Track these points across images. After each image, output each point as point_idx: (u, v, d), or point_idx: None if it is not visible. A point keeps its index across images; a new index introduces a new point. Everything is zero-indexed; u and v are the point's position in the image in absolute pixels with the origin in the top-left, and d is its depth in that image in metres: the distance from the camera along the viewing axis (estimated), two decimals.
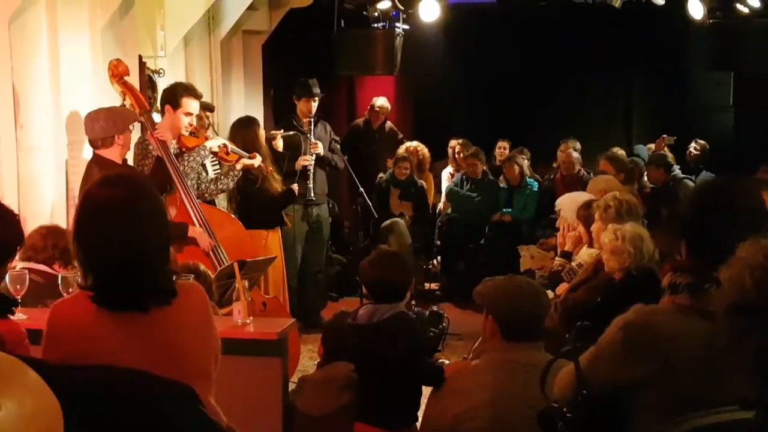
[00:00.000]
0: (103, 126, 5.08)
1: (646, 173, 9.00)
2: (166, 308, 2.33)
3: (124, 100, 5.31)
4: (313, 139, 7.31)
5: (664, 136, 9.35)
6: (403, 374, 3.63)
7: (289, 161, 7.19)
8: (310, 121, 7.34)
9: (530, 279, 3.67)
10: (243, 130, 6.67)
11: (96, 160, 5.10)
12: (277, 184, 6.66)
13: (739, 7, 8.29)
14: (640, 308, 2.43)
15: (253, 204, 6.56)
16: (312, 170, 7.29)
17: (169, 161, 5.25)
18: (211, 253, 5.15)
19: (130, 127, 5.20)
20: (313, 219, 7.49)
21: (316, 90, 7.39)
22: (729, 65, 9.17)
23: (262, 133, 6.75)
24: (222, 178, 5.89)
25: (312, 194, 7.31)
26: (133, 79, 6.25)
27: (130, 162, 5.50)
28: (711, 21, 8.23)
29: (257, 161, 6.06)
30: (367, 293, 3.94)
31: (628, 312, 2.42)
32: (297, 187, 6.90)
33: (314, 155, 7.29)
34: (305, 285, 7.62)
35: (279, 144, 7.10)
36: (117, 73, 5.28)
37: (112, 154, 5.06)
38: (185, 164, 5.45)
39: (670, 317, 2.38)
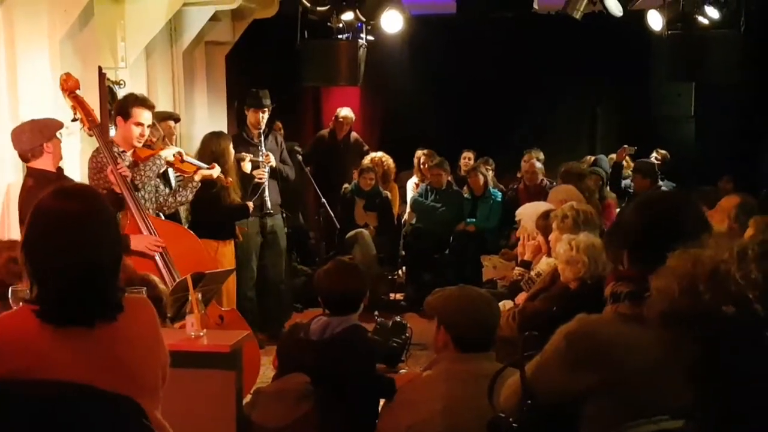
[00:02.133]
0: (29, 136, 5.07)
1: (632, 180, 9.12)
2: (113, 322, 2.32)
3: (75, 114, 5.25)
4: (264, 151, 7.30)
5: (625, 146, 9.42)
6: (357, 387, 3.63)
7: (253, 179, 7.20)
8: (260, 133, 7.32)
9: (480, 289, 3.69)
10: (213, 141, 6.68)
11: (29, 173, 5.11)
12: (235, 196, 6.66)
13: (700, 18, 8.38)
14: (582, 318, 2.45)
15: (205, 213, 6.55)
16: (266, 183, 7.28)
17: (127, 190, 5.20)
18: (158, 259, 5.13)
19: (57, 135, 5.15)
20: (268, 230, 7.46)
21: (266, 101, 7.36)
22: (690, 76, 9.26)
23: (231, 148, 6.74)
24: (180, 190, 5.85)
25: (269, 207, 7.30)
26: (93, 91, 6.25)
27: (73, 172, 5.50)
28: (670, 32, 8.32)
29: (216, 171, 6.04)
30: (322, 304, 3.93)
31: (572, 321, 2.45)
32: (252, 205, 6.90)
33: (267, 167, 7.28)
34: (267, 297, 7.58)
35: (246, 167, 7.08)
36: (67, 87, 5.22)
37: (44, 163, 5.05)
38: (141, 174, 5.41)
39: (612, 326, 2.40)
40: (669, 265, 1.67)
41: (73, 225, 2.28)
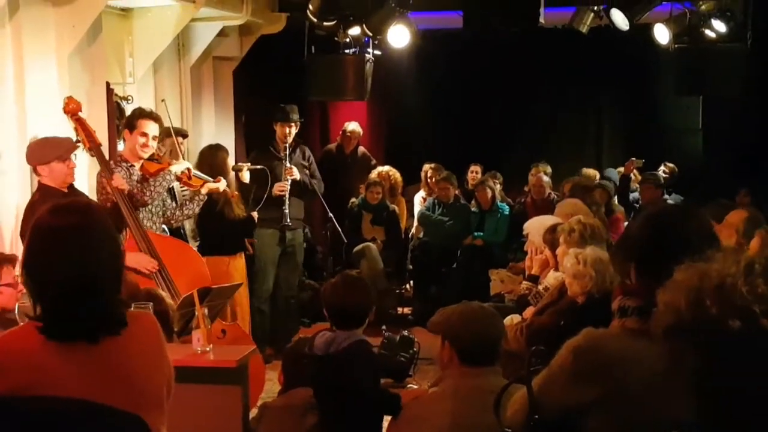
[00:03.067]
0: (28, 154, 5.25)
1: (638, 192, 9.11)
2: (117, 337, 2.31)
3: (77, 135, 5.32)
4: (288, 165, 7.32)
5: (633, 159, 9.41)
6: (362, 403, 3.62)
7: (258, 189, 7.19)
8: (286, 147, 7.35)
9: (483, 304, 3.68)
10: (210, 155, 6.73)
11: (38, 187, 5.24)
12: (239, 211, 6.68)
13: (706, 32, 8.39)
14: (589, 332, 2.44)
15: (213, 228, 6.58)
16: (287, 196, 7.29)
17: (124, 204, 5.25)
18: (157, 275, 5.15)
19: (56, 159, 5.14)
20: (287, 243, 7.48)
21: (293, 116, 7.40)
22: (697, 89, 9.27)
23: (229, 160, 6.79)
24: (187, 203, 5.91)
25: (288, 219, 7.31)
26: (101, 106, 6.28)
27: (81, 189, 5.53)
28: (677, 46, 8.33)
29: (222, 185, 6.09)
30: (328, 317, 3.92)
31: (578, 336, 2.44)
32: (256, 215, 6.90)
33: (289, 180, 7.29)
34: (278, 310, 7.60)
35: (245, 176, 7.07)
36: (69, 109, 5.31)
37: (46, 180, 5.15)
38: (152, 189, 5.47)
39: (619, 340, 2.39)
40: (676, 279, 1.66)
41: (69, 240, 2.27)
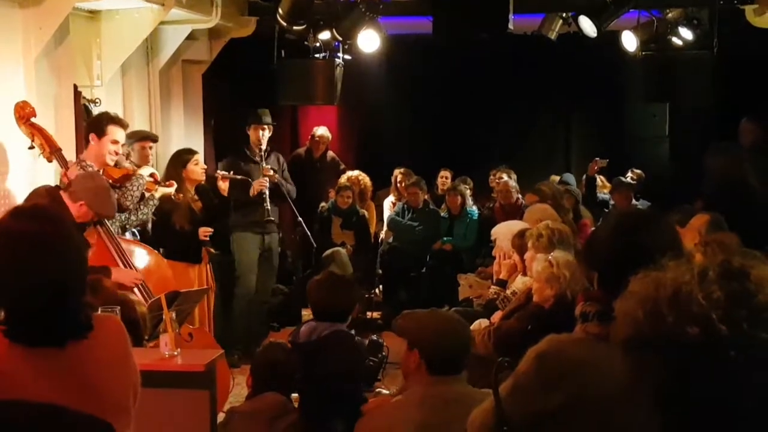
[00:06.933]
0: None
1: (610, 198, 9.16)
2: (83, 342, 2.30)
3: (32, 141, 5.22)
4: (264, 164, 7.31)
5: (597, 159, 9.38)
6: (343, 389, 3.68)
7: (239, 196, 7.15)
8: (260, 150, 7.35)
9: (451, 311, 3.73)
10: (175, 161, 6.73)
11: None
12: (185, 223, 6.55)
13: (673, 39, 8.49)
14: (552, 338, 2.44)
15: (161, 235, 6.48)
16: (267, 193, 7.27)
17: None
18: (137, 290, 5.07)
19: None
20: (265, 247, 7.48)
21: (266, 119, 7.42)
22: (664, 97, 9.37)
23: (192, 167, 6.71)
24: (141, 207, 5.86)
25: (269, 215, 7.29)
26: (68, 109, 6.23)
27: None
28: (644, 53, 8.42)
29: (172, 189, 6.08)
30: (312, 312, 4.03)
31: (541, 342, 2.43)
32: (204, 232, 6.74)
33: (267, 179, 7.27)
34: (251, 314, 7.60)
35: (223, 187, 6.91)
36: (23, 114, 5.20)
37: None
38: (129, 195, 5.47)
39: (581, 346, 2.39)
40: (632, 289, 1.66)
41: (33, 245, 2.27)
